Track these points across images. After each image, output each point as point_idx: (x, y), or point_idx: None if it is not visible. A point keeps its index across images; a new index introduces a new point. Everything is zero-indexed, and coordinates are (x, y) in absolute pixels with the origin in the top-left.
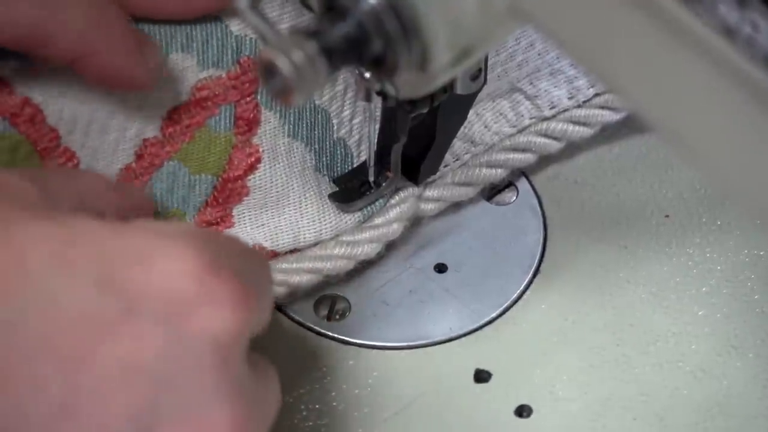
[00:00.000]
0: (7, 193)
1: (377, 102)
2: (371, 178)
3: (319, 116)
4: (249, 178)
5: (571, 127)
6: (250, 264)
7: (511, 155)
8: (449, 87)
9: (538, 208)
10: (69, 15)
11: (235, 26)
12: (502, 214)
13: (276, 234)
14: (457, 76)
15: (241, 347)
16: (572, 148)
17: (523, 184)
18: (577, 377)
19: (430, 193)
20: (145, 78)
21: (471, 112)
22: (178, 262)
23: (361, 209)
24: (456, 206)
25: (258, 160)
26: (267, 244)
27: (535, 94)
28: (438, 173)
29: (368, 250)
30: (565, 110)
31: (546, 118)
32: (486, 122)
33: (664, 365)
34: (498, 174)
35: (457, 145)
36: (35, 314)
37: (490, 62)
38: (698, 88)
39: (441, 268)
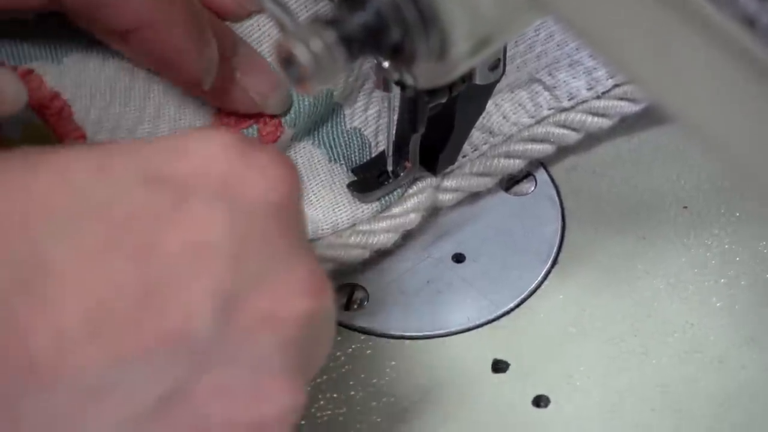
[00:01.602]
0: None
1: (396, 92)
2: (390, 168)
3: (330, 109)
4: None
5: (589, 118)
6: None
7: (530, 146)
8: (468, 77)
9: (557, 199)
10: None
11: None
12: (521, 204)
13: None
14: (476, 66)
15: (298, 206)
16: (591, 139)
17: (541, 174)
18: (594, 368)
19: (448, 183)
20: (196, 71)
21: (490, 102)
22: (214, 144)
23: (379, 199)
24: (474, 196)
25: None
26: None
27: (553, 85)
28: (456, 163)
29: (384, 240)
30: (584, 101)
31: (564, 109)
32: (504, 113)
33: (682, 356)
34: (516, 164)
35: (476, 135)
36: (90, 220)
37: (509, 53)
38: (717, 78)
39: (459, 258)
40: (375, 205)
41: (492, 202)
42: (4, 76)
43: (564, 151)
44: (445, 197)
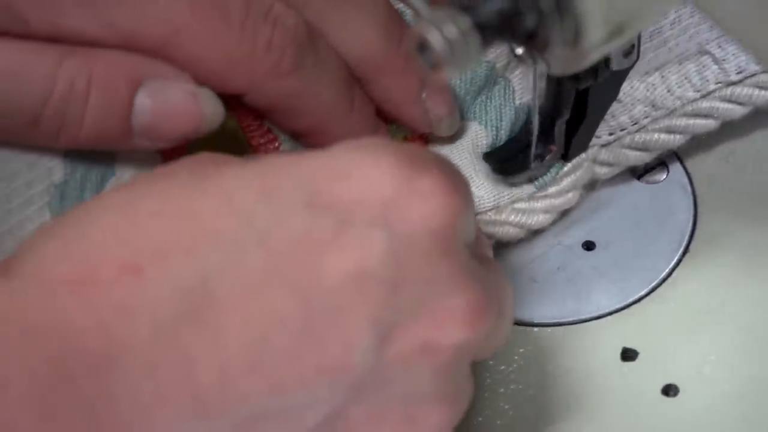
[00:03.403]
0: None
1: (540, 75)
2: (534, 151)
3: (497, 86)
4: None
5: (756, 92)
6: (448, 163)
7: (692, 121)
8: (604, 63)
9: (689, 187)
10: (323, 90)
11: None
12: (652, 192)
13: None
14: (611, 52)
15: (460, 235)
16: (724, 127)
17: (673, 162)
18: (725, 357)
19: (605, 156)
20: None
21: (656, 75)
22: (376, 167)
23: (526, 181)
24: (605, 184)
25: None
26: None
27: (723, 58)
28: (613, 136)
29: (542, 220)
30: (753, 75)
31: (732, 83)
32: (669, 86)
33: None
34: (676, 140)
35: (638, 108)
36: (255, 249)
37: (683, 24)
38: None
39: (589, 246)
40: (530, 186)
41: (623, 189)
42: (205, 96)
43: (697, 139)
44: (602, 171)
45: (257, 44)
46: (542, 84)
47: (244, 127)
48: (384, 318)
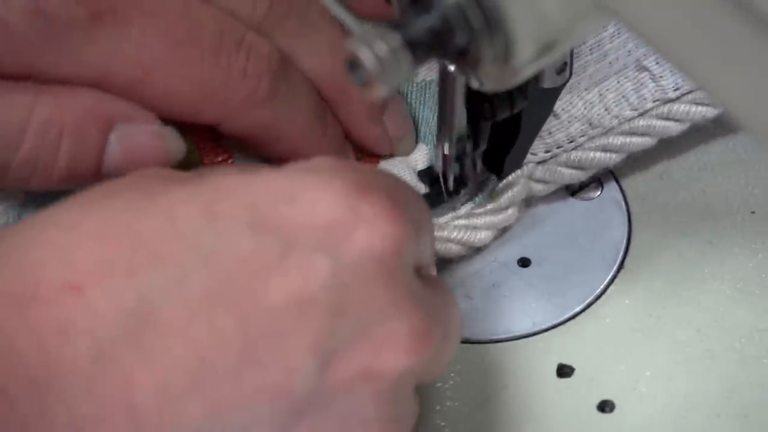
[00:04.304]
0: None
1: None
2: (450, 185)
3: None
4: None
5: (693, 108)
6: (400, 186)
7: (629, 139)
8: (528, 91)
9: (623, 203)
10: (298, 116)
11: None
12: (587, 209)
13: None
14: (544, 69)
15: (405, 260)
16: (659, 145)
17: (608, 179)
18: (660, 373)
19: (541, 173)
20: None
21: (595, 91)
22: (323, 191)
23: (439, 216)
24: (540, 200)
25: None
26: None
27: (660, 75)
28: (549, 154)
29: (484, 237)
30: (690, 91)
31: (670, 100)
32: (607, 105)
33: (749, 361)
34: (612, 159)
35: (575, 126)
36: (199, 271)
37: (623, 37)
38: None
39: (524, 263)
40: (469, 204)
41: (558, 206)
42: (169, 134)
43: (631, 156)
44: (537, 188)
45: (232, 73)
46: (462, 120)
47: (201, 147)
48: (325, 343)
